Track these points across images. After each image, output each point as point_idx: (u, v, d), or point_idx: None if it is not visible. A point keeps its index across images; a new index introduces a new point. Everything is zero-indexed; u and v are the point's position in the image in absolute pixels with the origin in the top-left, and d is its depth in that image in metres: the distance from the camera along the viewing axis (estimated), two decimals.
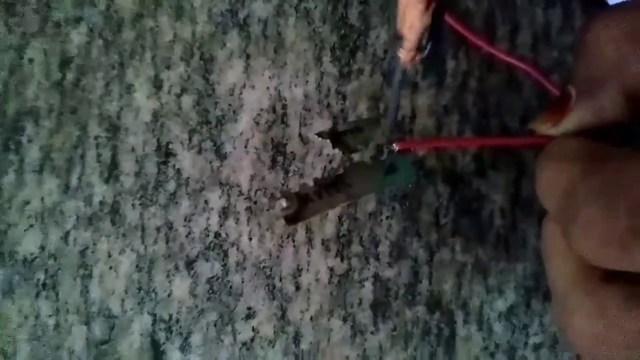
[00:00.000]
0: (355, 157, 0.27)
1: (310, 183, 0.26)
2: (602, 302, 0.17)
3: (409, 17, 0.18)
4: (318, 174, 0.28)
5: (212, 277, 0.28)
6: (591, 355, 0.18)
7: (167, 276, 0.28)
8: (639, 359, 0.17)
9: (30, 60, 0.28)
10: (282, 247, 0.28)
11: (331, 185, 0.26)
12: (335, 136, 0.25)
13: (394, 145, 0.24)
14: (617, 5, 0.20)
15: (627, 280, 0.16)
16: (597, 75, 0.19)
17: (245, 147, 0.28)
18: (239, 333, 0.27)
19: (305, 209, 0.25)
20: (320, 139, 0.26)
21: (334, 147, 0.26)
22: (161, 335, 0.27)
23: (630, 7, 0.19)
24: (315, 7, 0.29)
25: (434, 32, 0.18)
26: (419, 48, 0.19)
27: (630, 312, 0.16)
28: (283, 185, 0.28)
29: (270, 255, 0.28)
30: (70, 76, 0.28)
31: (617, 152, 0.17)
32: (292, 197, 0.25)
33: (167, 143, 0.28)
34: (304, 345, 0.27)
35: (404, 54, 0.19)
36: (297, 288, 0.28)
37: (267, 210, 0.28)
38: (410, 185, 0.28)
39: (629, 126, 0.20)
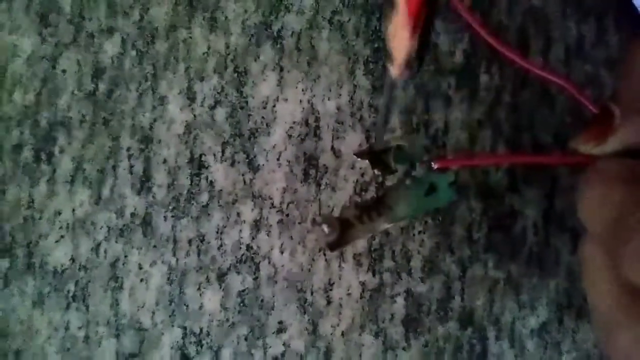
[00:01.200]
0: (393, 177, 0.27)
1: (350, 205, 0.26)
2: None
3: (397, 40, 0.19)
4: (350, 187, 0.28)
5: (243, 291, 0.27)
6: None
7: (198, 289, 0.27)
8: None
9: (64, 71, 0.28)
10: (313, 260, 0.27)
11: (372, 209, 0.26)
12: (373, 156, 0.24)
13: (433, 163, 0.24)
14: None
15: None
16: None
17: (278, 159, 0.28)
18: (270, 347, 0.27)
19: (347, 234, 0.25)
20: (359, 159, 0.26)
21: (373, 169, 0.25)
22: (191, 349, 0.27)
23: None
24: (349, 20, 0.29)
25: (421, 51, 0.19)
26: (407, 67, 0.20)
27: None
28: (315, 198, 0.28)
29: (302, 269, 0.27)
30: (102, 87, 0.28)
31: None
32: (334, 223, 0.25)
33: (200, 155, 0.28)
34: None
35: (394, 70, 0.20)
36: (329, 302, 0.27)
37: (299, 223, 0.28)
38: (446, 205, 0.28)
39: None
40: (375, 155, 0.25)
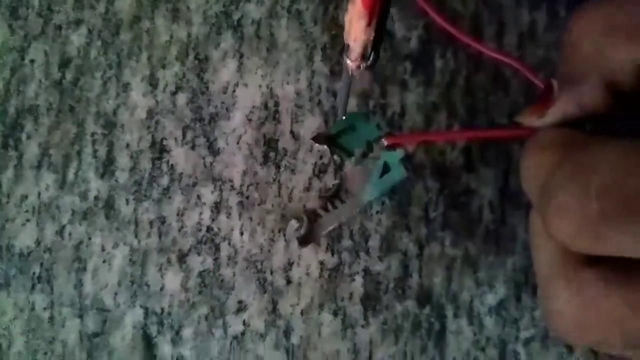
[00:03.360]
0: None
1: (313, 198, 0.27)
2: (580, 285, 0.17)
3: (353, 31, 0.20)
4: (309, 169, 0.28)
5: (204, 271, 0.28)
6: (571, 337, 0.19)
7: (160, 270, 0.28)
8: (616, 340, 0.17)
9: (32, 61, 0.30)
10: (273, 241, 0.28)
11: (334, 196, 0.26)
12: (331, 140, 0.25)
13: (383, 140, 0.24)
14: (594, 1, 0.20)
15: (606, 264, 0.17)
16: (576, 68, 0.20)
17: (238, 143, 0.29)
18: (230, 326, 0.28)
19: (316, 226, 0.25)
20: (317, 145, 0.27)
21: (332, 154, 0.26)
22: (153, 329, 0.28)
23: (604, 1, 0.20)
24: (307, 9, 0.30)
25: (377, 42, 0.20)
26: (364, 58, 0.21)
27: (608, 295, 0.16)
28: (274, 180, 0.28)
29: (262, 250, 0.28)
30: (69, 76, 0.29)
31: (592, 139, 0.18)
32: (300, 216, 0.26)
33: (162, 139, 0.29)
34: (294, 339, 0.27)
35: (350, 62, 0.21)
36: (288, 282, 0.28)
37: (259, 205, 0.28)
38: (399, 183, 0.28)
39: (609, 116, 0.20)
40: (332, 139, 0.25)
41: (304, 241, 0.26)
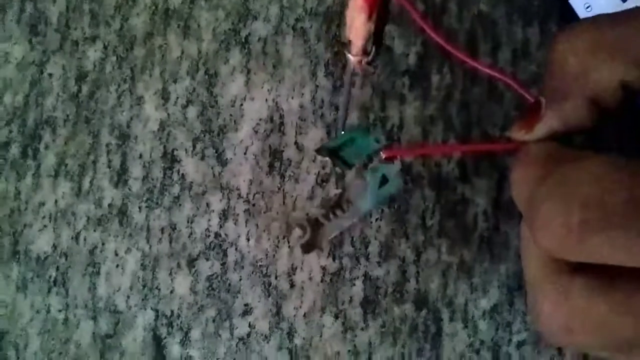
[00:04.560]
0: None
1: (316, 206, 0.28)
2: (566, 290, 0.18)
3: (354, 25, 0.21)
4: (312, 179, 0.30)
5: (212, 275, 0.29)
6: (559, 341, 0.19)
7: (170, 274, 0.29)
8: (602, 344, 0.18)
9: (50, 75, 0.31)
10: (277, 247, 0.29)
11: (336, 206, 0.28)
12: (332, 152, 0.26)
13: (381, 153, 0.26)
14: (581, 20, 0.22)
15: (591, 270, 0.18)
16: (562, 85, 0.21)
17: (245, 153, 0.30)
18: (236, 328, 0.29)
19: (319, 233, 0.26)
20: (320, 157, 0.28)
21: (334, 165, 0.27)
22: (163, 330, 0.29)
23: (590, 21, 0.21)
24: (311, 27, 0.31)
25: (377, 37, 0.21)
26: (365, 52, 0.21)
27: (592, 300, 0.17)
28: (279, 189, 0.30)
29: (267, 255, 0.29)
30: (85, 89, 0.31)
31: (575, 154, 0.19)
32: (304, 224, 0.27)
33: (173, 150, 0.30)
34: (297, 341, 0.29)
35: (352, 58, 0.22)
36: (292, 286, 0.29)
37: (265, 212, 0.30)
38: (397, 193, 0.29)
39: (597, 130, 0.22)
40: (333, 151, 0.27)
41: (307, 248, 0.27)
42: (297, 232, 0.27)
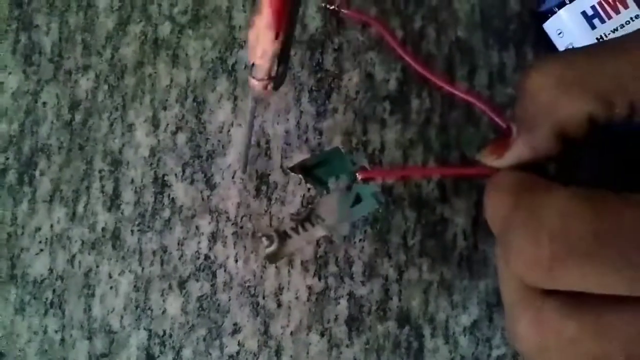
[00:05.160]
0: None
1: (288, 219, 0.29)
2: (539, 312, 0.19)
3: (260, 46, 0.20)
4: (298, 201, 0.31)
5: (202, 296, 0.30)
6: (535, 359, 0.20)
7: (162, 295, 0.31)
8: None
9: (44, 104, 0.32)
10: (265, 268, 0.31)
11: (306, 220, 0.29)
12: (306, 171, 0.28)
13: (357, 175, 0.27)
14: (553, 54, 0.23)
15: (563, 293, 0.19)
16: (532, 116, 0.22)
17: (233, 178, 0.31)
18: (226, 347, 0.30)
19: (285, 245, 0.28)
20: (292, 174, 0.29)
21: (306, 182, 0.29)
22: (156, 350, 0.30)
23: (561, 55, 0.22)
24: (295, 54, 0.32)
25: (283, 57, 0.20)
26: (271, 76, 0.20)
27: (564, 320, 0.18)
28: (266, 212, 0.31)
29: (255, 276, 0.31)
30: (78, 117, 0.32)
31: (543, 184, 0.20)
32: (271, 235, 0.28)
33: (163, 175, 0.31)
34: (285, 358, 0.30)
35: (257, 83, 0.21)
36: (279, 305, 0.30)
37: (252, 234, 0.31)
38: (371, 213, 0.30)
39: (570, 159, 0.23)
40: (307, 169, 0.28)
41: (272, 259, 0.28)
42: (264, 241, 0.28)
